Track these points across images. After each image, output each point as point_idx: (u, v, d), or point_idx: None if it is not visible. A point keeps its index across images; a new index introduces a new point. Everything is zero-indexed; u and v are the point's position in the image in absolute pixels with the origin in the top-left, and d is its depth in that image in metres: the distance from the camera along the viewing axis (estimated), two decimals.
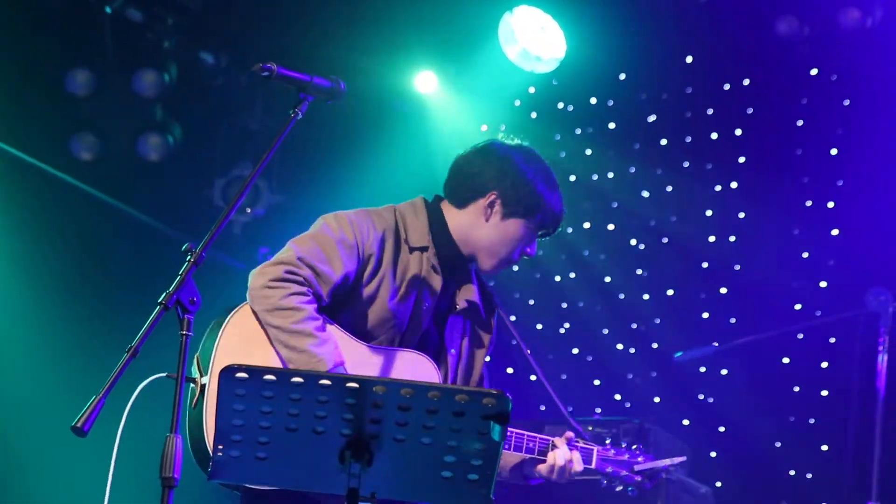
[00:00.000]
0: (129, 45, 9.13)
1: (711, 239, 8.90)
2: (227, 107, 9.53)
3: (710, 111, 8.96)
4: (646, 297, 9.10)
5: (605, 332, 9.18)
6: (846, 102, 8.54)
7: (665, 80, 9.05)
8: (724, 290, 8.83)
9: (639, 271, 9.15)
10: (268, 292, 4.59)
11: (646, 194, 9.13)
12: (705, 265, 8.91)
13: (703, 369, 8.70)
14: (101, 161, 9.27)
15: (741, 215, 8.83)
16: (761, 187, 8.77)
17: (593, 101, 9.21)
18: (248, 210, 9.46)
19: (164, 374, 3.98)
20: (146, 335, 3.78)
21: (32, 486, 8.79)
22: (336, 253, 4.71)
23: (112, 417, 3.88)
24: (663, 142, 9.09)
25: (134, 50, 9.14)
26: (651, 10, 8.76)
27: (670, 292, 9.02)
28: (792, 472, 8.47)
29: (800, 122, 8.69)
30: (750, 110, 8.81)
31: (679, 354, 8.13)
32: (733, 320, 8.76)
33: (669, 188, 9.06)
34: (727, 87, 8.87)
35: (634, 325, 9.12)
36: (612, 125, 9.20)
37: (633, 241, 9.16)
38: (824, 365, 8.44)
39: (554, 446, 4.94)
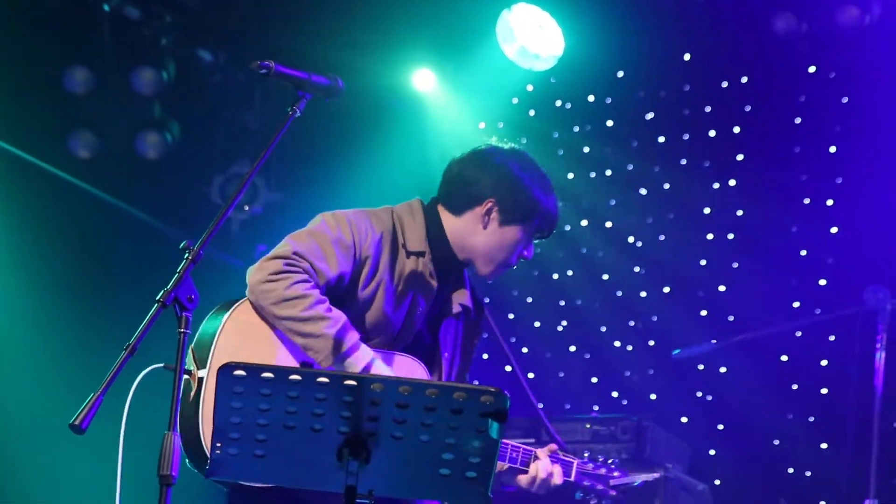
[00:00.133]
0: (128, 43, 9.14)
1: (710, 237, 8.90)
2: (226, 104, 9.54)
3: (708, 109, 8.97)
4: (643, 294, 9.10)
5: (603, 329, 9.19)
6: (844, 100, 8.54)
7: (663, 77, 9.05)
8: (722, 288, 8.83)
9: (636, 268, 9.15)
10: (270, 286, 4.59)
11: (644, 192, 9.13)
12: (703, 263, 8.91)
13: (701, 367, 8.70)
14: (99, 159, 9.28)
15: (739, 213, 8.83)
16: (759, 185, 8.77)
17: (591, 98, 9.21)
18: (246, 208, 9.46)
19: (161, 365, 3.97)
20: (144, 333, 3.79)
21: (31, 484, 8.79)
22: (332, 251, 4.71)
23: (109, 414, 3.88)
24: (661, 139, 9.09)
25: (132, 48, 9.14)
26: (649, 7, 8.76)
27: (667, 289, 9.02)
28: (791, 470, 8.47)
29: (798, 120, 8.69)
30: (748, 108, 8.81)
31: (677, 352, 8.13)
32: (731, 318, 8.76)
33: (667, 186, 9.06)
34: (725, 84, 8.87)
35: (632, 323, 9.11)
36: (610, 123, 9.20)
37: (631, 239, 9.16)
38: (823, 363, 8.44)
39: (536, 458, 4.95)
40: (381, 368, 4.69)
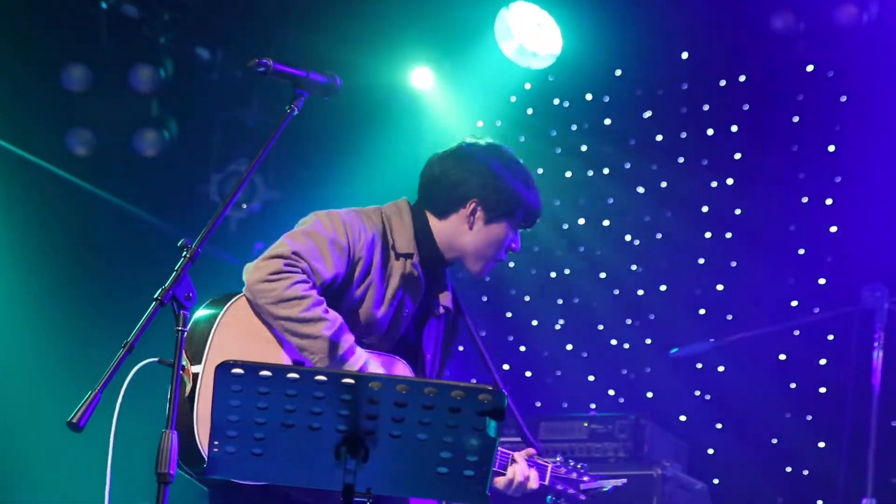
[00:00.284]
0: (125, 41, 9.13)
1: (708, 235, 8.90)
2: (223, 102, 9.53)
3: (705, 107, 8.96)
4: (641, 292, 9.10)
5: (601, 328, 9.18)
6: (843, 99, 8.54)
7: (661, 76, 9.05)
8: (720, 287, 8.83)
9: (634, 267, 9.15)
10: (269, 285, 4.58)
11: (641, 190, 9.13)
12: (701, 261, 8.91)
13: (699, 365, 8.70)
14: (96, 156, 9.27)
15: (737, 211, 8.83)
16: (757, 183, 8.77)
17: (589, 97, 9.21)
18: (244, 206, 9.45)
19: (155, 360, 3.96)
20: (142, 331, 3.79)
21: (27, 481, 8.78)
22: (328, 252, 4.71)
23: (105, 411, 3.87)
24: (659, 138, 9.09)
25: (130, 45, 9.13)
26: (647, 6, 8.76)
27: (665, 288, 9.02)
28: (788, 469, 8.47)
29: (796, 119, 8.69)
30: (746, 106, 8.81)
31: (675, 350, 8.12)
32: (730, 317, 8.76)
33: (665, 184, 9.05)
34: (723, 83, 8.87)
35: (630, 321, 9.11)
36: (607, 121, 9.20)
37: (629, 237, 9.16)
38: (822, 362, 8.45)
39: (513, 461, 4.98)
40: (375, 370, 4.71)
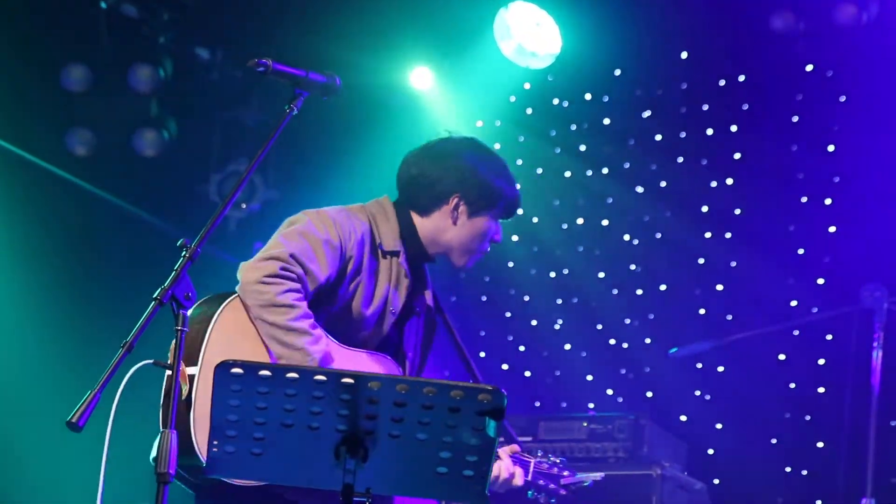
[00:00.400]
0: (125, 41, 9.13)
1: (707, 235, 8.90)
2: (223, 102, 9.53)
3: (705, 107, 8.96)
4: (640, 292, 9.11)
5: (600, 327, 9.18)
6: (842, 98, 8.53)
7: (660, 75, 9.05)
8: (720, 287, 8.83)
9: (633, 267, 9.15)
10: (263, 287, 4.58)
11: (640, 190, 9.13)
12: (701, 261, 8.91)
13: (700, 365, 8.69)
14: (96, 156, 9.27)
15: (737, 211, 8.83)
16: (757, 183, 8.77)
17: (588, 96, 9.21)
18: (244, 205, 9.45)
19: (150, 362, 3.96)
20: (141, 330, 3.78)
21: (26, 480, 8.78)
22: (322, 253, 4.72)
23: (102, 412, 3.87)
24: (658, 137, 9.08)
25: (130, 45, 9.13)
26: (646, 6, 8.76)
27: (664, 287, 9.02)
28: (788, 470, 8.47)
29: (795, 119, 8.69)
30: (745, 106, 8.81)
31: (674, 350, 8.12)
32: (729, 317, 8.76)
33: (664, 184, 9.05)
34: (722, 83, 8.87)
35: (628, 321, 9.11)
36: (606, 121, 9.20)
37: (628, 237, 9.16)
38: (821, 362, 8.45)
39: (498, 457, 5.01)
40: None
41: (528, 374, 9.28)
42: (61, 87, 9.09)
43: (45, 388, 8.41)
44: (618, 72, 9.09)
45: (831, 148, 8.56)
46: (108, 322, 7.95)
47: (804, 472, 8.42)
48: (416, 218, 5.06)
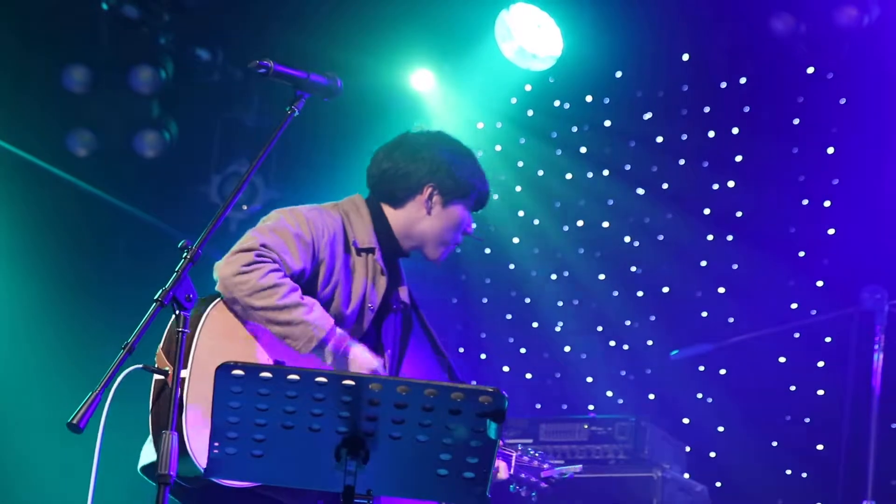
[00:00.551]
0: (126, 42, 9.13)
1: (709, 238, 8.90)
2: (224, 103, 9.53)
3: (706, 109, 8.96)
4: (641, 294, 9.10)
5: (600, 329, 9.18)
6: (842, 101, 8.53)
7: (661, 77, 9.05)
8: (721, 290, 8.82)
9: (634, 269, 9.15)
10: (243, 277, 4.61)
11: (641, 192, 9.13)
12: (703, 264, 8.91)
13: (701, 368, 8.69)
14: (97, 157, 9.27)
15: (738, 214, 8.82)
16: (758, 185, 8.77)
17: (589, 98, 9.21)
18: (245, 207, 9.45)
19: (140, 366, 3.97)
20: (142, 332, 3.78)
21: (27, 482, 8.78)
22: (294, 246, 4.75)
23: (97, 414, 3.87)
24: (659, 139, 9.08)
25: (130, 46, 9.13)
26: (648, 8, 8.76)
27: (666, 290, 9.02)
28: (788, 472, 8.47)
29: (796, 121, 8.69)
30: (747, 108, 8.81)
31: (675, 352, 8.12)
32: (731, 319, 8.75)
33: (666, 186, 9.05)
34: (724, 85, 8.87)
35: (629, 323, 9.11)
36: (608, 123, 9.19)
37: (628, 239, 9.16)
38: (820, 364, 8.44)
39: None
40: (357, 351, 4.76)
41: (528, 376, 9.28)
42: (62, 87, 9.09)
43: (46, 389, 8.41)
44: (619, 74, 9.09)
45: (831, 150, 8.55)
46: (108, 323, 7.97)
47: (804, 475, 8.42)
48: (388, 211, 5.09)
